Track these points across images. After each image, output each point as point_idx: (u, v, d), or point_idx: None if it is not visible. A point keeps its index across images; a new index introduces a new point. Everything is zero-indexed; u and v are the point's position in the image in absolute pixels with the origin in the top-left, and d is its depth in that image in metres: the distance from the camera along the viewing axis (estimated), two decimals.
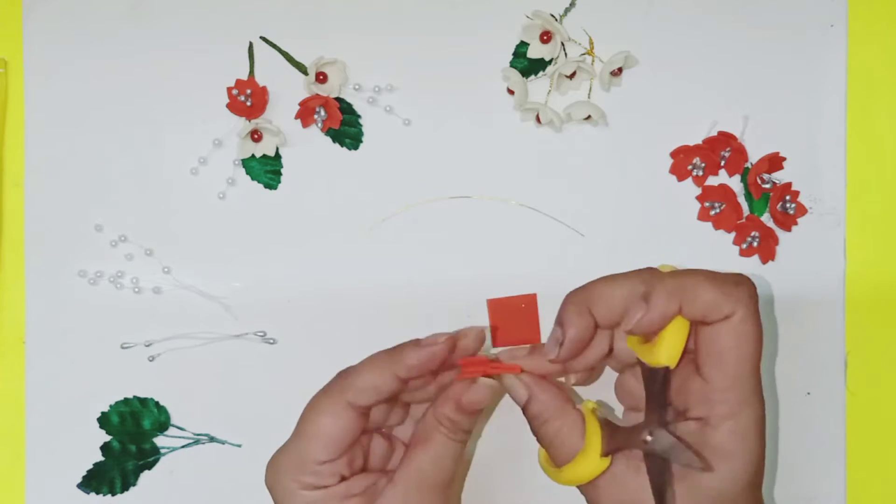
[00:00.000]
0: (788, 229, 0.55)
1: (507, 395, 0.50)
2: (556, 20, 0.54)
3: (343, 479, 0.47)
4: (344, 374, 0.48)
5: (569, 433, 0.46)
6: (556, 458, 0.47)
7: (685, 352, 0.45)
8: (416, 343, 0.47)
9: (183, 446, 0.55)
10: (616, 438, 0.45)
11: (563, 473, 0.46)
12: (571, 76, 0.54)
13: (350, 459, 0.48)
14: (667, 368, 0.44)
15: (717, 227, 0.55)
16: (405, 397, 0.50)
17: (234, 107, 0.55)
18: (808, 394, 0.54)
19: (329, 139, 0.55)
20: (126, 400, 0.55)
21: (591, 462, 0.45)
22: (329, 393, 0.48)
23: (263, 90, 0.55)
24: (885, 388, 0.55)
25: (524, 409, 0.48)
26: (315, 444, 0.47)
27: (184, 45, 0.55)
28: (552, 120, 0.54)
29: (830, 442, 0.54)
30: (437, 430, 0.48)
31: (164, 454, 0.55)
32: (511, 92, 0.55)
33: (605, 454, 0.45)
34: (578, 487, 0.46)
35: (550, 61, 0.55)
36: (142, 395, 0.55)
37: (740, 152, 0.54)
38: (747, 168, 0.54)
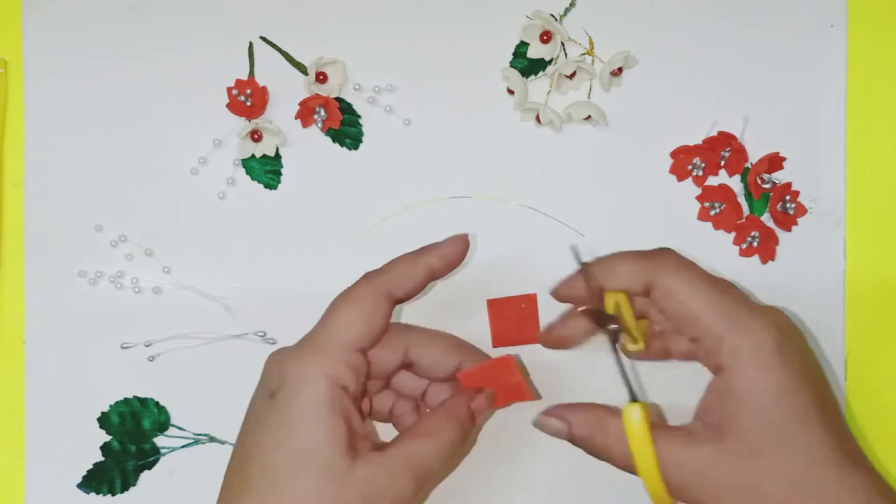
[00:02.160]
0: (788, 229, 0.55)
1: None
2: (556, 20, 0.55)
3: (354, 397, 0.45)
4: (375, 270, 0.47)
5: (617, 442, 0.45)
6: (626, 469, 0.46)
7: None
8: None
9: (183, 446, 0.55)
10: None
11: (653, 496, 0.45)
12: (571, 76, 0.54)
13: (365, 371, 0.46)
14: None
15: (717, 227, 0.55)
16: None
17: (234, 107, 0.55)
18: None
19: (329, 139, 0.55)
20: (126, 400, 0.55)
21: (651, 474, 0.44)
22: (361, 284, 0.47)
23: (263, 90, 0.55)
24: (885, 388, 0.55)
25: (571, 440, 0.47)
26: (353, 327, 0.45)
27: (184, 45, 0.55)
28: (552, 120, 0.54)
29: None
30: (453, 427, 0.47)
31: (164, 454, 0.55)
32: (511, 92, 0.55)
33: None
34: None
35: (550, 61, 0.55)
36: (142, 395, 0.55)
37: (740, 152, 0.54)
38: (747, 168, 0.55)
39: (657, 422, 0.45)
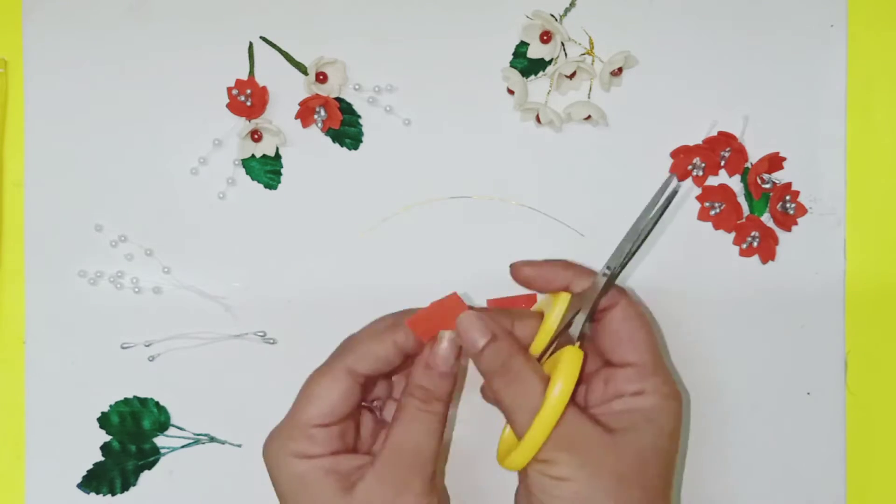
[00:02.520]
0: (788, 229, 0.55)
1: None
2: (556, 20, 0.55)
3: (334, 453, 0.47)
4: (346, 341, 0.49)
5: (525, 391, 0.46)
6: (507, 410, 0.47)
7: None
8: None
9: (183, 446, 0.55)
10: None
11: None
12: (571, 76, 0.54)
13: (343, 431, 0.48)
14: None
15: (717, 227, 0.55)
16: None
17: (234, 107, 0.55)
18: (808, 394, 0.54)
19: (329, 139, 0.55)
20: (126, 400, 0.55)
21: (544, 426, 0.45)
22: (329, 360, 0.49)
23: (263, 90, 0.55)
24: (885, 388, 0.55)
25: (480, 354, 0.47)
26: (311, 406, 0.47)
27: (184, 45, 0.55)
28: (552, 120, 0.54)
29: (830, 442, 0.54)
30: (410, 403, 0.48)
31: (164, 454, 0.55)
32: (511, 92, 0.55)
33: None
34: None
35: (550, 61, 0.55)
36: (142, 395, 0.55)
37: (740, 152, 0.54)
38: (747, 168, 0.55)
39: None
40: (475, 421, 0.54)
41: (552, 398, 0.45)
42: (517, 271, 0.50)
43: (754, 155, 0.55)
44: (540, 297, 0.53)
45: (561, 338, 0.48)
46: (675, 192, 0.47)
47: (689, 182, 0.55)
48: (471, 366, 0.54)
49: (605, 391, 0.48)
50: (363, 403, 0.50)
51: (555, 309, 0.48)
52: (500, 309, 0.51)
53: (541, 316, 0.49)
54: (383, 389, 0.52)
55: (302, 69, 0.55)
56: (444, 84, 0.55)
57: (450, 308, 0.48)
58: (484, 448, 0.53)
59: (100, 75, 0.55)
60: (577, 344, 0.48)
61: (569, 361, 0.46)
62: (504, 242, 0.55)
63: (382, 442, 0.48)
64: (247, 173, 0.55)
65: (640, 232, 0.48)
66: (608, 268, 0.48)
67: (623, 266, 0.48)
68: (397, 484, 0.46)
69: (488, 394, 0.49)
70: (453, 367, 0.48)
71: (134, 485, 0.55)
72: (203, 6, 0.56)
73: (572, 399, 0.46)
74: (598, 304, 0.48)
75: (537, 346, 0.48)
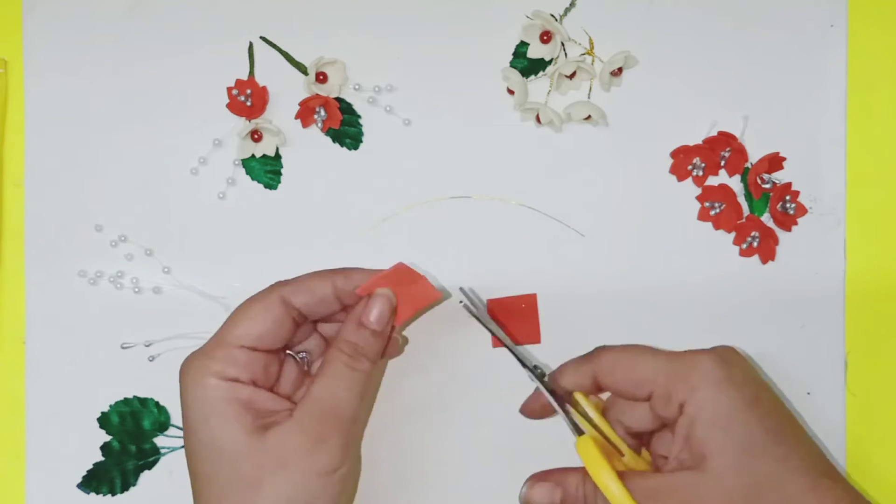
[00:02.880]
0: (788, 229, 0.55)
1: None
2: (556, 20, 0.55)
3: (253, 383, 0.47)
4: (283, 280, 0.49)
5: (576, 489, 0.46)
6: None
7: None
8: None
9: (183, 446, 0.55)
10: None
11: None
12: (571, 76, 0.54)
13: (266, 364, 0.48)
14: None
15: (717, 227, 0.55)
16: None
17: (234, 107, 0.55)
18: (808, 394, 0.54)
19: (329, 139, 0.55)
20: (126, 400, 0.55)
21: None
22: (264, 289, 0.48)
23: (263, 90, 0.55)
24: (885, 388, 0.55)
25: None
26: (238, 326, 0.47)
27: (184, 45, 0.55)
28: (552, 120, 0.54)
29: (830, 442, 0.54)
30: (336, 357, 0.47)
31: (164, 454, 0.55)
32: (511, 92, 0.55)
33: None
34: None
35: (550, 61, 0.55)
36: (142, 395, 0.55)
37: (740, 152, 0.54)
38: (747, 168, 0.54)
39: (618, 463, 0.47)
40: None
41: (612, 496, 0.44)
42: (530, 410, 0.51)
43: (754, 155, 0.55)
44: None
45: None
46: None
47: (688, 182, 0.55)
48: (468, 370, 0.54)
49: (667, 438, 0.47)
50: (289, 352, 0.50)
51: (594, 413, 0.48)
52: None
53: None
54: (314, 343, 0.51)
55: (302, 69, 0.55)
56: (444, 84, 0.55)
57: (401, 278, 0.48)
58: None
59: (100, 75, 0.55)
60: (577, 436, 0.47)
61: (584, 455, 0.45)
62: (504, 242, 0.55)
63: (305, 393, 0.47)
64: (247, 173, 0.55)
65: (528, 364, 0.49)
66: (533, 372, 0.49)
67: (537, 371, 0.49)
68: (313, 436, 0.46)
69: (532, 409, 0.50)
70: (386, 326, 0.48)
71: (134, 485, 0.55)
72: (203, 6, 0.56)
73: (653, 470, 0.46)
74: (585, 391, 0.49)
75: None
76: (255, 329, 0.47)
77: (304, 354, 0.51)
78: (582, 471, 0.46)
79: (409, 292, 0.49)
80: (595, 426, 0.48)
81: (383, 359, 0.52)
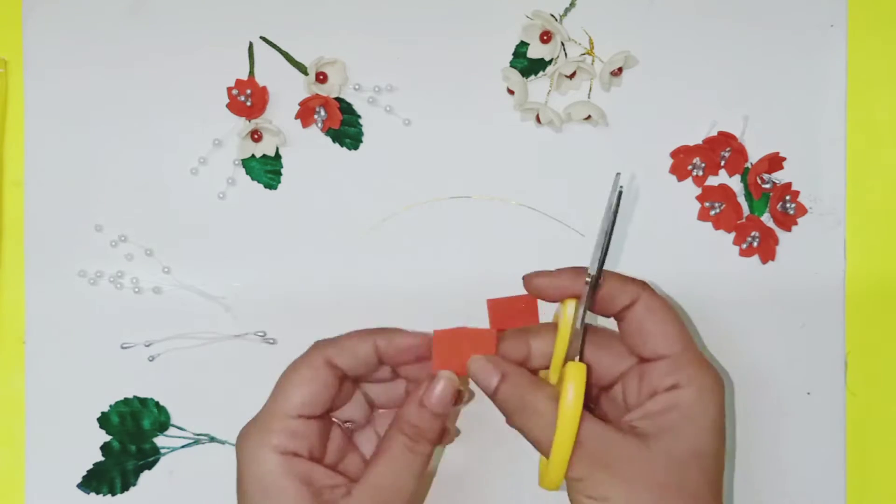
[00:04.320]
0: (788, 229, 0.55)
1: (471, 405, 0.50)
2: (556, 20, 0.55)
3: (311, 458, 0.46)
4: (326, 340, 0.48)
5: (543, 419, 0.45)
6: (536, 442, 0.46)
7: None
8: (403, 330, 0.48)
9: (183, 446, 0.55)
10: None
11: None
12: (571, 76, 0.54)
13: (321, 432, 0.47)
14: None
15: (717, 227, 0.55)
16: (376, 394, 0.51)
17: (234, 107, 0.55)
18: (808, 394, 0.54)
19: (329, 139, 0.55)
20: (126, 400, 0.55)
21: (564, 446, 0.44)
22: (307, 353, 0.48)
23: (263, 90, 0.55)
24: (885, 388, 0.55)
25: (494, 395, 0.46)
26: (293, 395, 0.46)
27: (184, 45, 0.55)
28: (552, 120, 0.54)
29: (830, 442, 0.54)
30: (397, 440, 0.47)
31: (164, 454, 0.55)
32: (511, 92, 0.55)
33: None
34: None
35: (550, 61, 0.55)
36: (142, 395, 0.55)
37: (740, 152, 0.54)
38: (747, 168, 0.55)
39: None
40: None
41: (565, 407, 0.44)
42: (529, 282, 0.49)
43: (754, 155, 0.55)
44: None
45: (570, 349, 0.47)
46: (620, 192, 0.46)
47: (688, 182, 0.55)
48: None
49: (639, 391, 0.46)
50: (335, 420, 0.50)
51: (564, 317, 0.48)
52: (516, 330, 0.50)
53: (554, 326, 0.49)
54: (358, 411, 0.51)
55: (302, 69, 0.55)
56: (444, 84, 0.55)
57: (477, 341, 0.48)
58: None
59: (100, 75, 0.55)
60: (577, 358, 0.46)
61: (573, 371, 0.45)
62: (504, 242, 0.55)
63: (363, 475, 0.46)
64: (247, 173, 0.55)
65: (605, 232, 0.46)
66: (589, 275, 0.47)
67: (601, 268, 0.46)
68: None
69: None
70: (447, 409, 0.47)
71: (134, 485, 0.55)
72: (203, 6, 0.56)
73: (602, 414, 0.45)
74: (609, 306, 0.47)
75: (556, 358, 0.48)
76: (308, 396, 0.46)
77: (349, 423, 0.50)
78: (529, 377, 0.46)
79: (469, 347, 0.48)
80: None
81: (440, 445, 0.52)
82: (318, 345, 0.48)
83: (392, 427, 0.47)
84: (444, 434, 0.49)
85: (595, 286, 0.47)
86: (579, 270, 0.48)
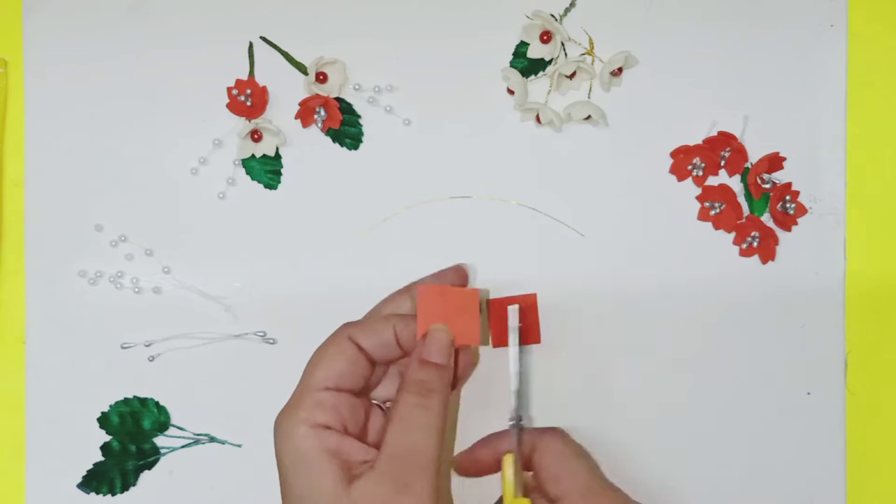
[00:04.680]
0: (788, 229, 0.55)
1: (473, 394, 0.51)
2: (556, 20, 0.55)
3: (343, 431, 0.46)
4: (351, 321, 0.49)
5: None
6: None
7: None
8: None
9: (183, 446, 0.55)
10: None
11: None
12: (571, 76, 0.54)
13: (352, 407, 0.47)
14: None
15: (717, 227, 0.55)
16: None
17: (234, 107, 0.55)
18: (808, 394, 0.54)
19: (329, 139, 0.55)
20: (126, 400, 0.55)
21: None
22: (334, 332, 0.49)
23: (263, 90, 0.55)
24: (885, 388, 0.55)
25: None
26: (318, 370, 0.47)
27: (184, 45, 0.55)
28: (552, 120, 0.54)
29: (830, 442, 0.54)
30: (405, 399, 0.46)
31: (164, 454, 0.55)
32: (511, 92, 0.55)
33: None
34: None
35: (550, 61, 0.55)
36: (142, 395, 0.55)
37: (740, 152, 0.54)
38: (747, 168, 0.55)
39: None
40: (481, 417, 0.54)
41: None
42: (464, 464, 0.51)
43: (754, 155, 0.55)
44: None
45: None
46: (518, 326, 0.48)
47: (688, 182, 0.55)
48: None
49: None
50: (375, 401, 0.50)
51: (506, 473, 0.48)
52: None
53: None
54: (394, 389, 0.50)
55: (302, 69, 0.55)
56: (444, 84, 0.55)
57: (461, 299, 0.48)
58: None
59: (100, 75, 0.55)
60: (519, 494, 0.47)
61: None
62: (504, 242, 0.55)
63: (381, 443, 0.46)
64: (247, 173, 0.55)
65: (517, 373, 0.49)
66: (511, 419, 0.49)
67: (522, 410, 0.48)
68: (396, 484, 0.44)
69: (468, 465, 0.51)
70: (449, 358, 0.47)
71: (134, 485, 0.55)
72: (203, 6, 0.56)
73: None
74: (527, 452, 0.49)
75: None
76: (335, 369, 0.47)
77: (388, 403, 0.50)
78: None
79: (454, 308, 0.48)
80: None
81: (455, 389, 0.51)
82: (344, 326, 0.49)
83: (399, 390, 0.47)
84: (461, 374, 0.49)
85: (520, 427, 0.49)
86: (500, 434, 0.50)
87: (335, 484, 0.45)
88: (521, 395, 0.48)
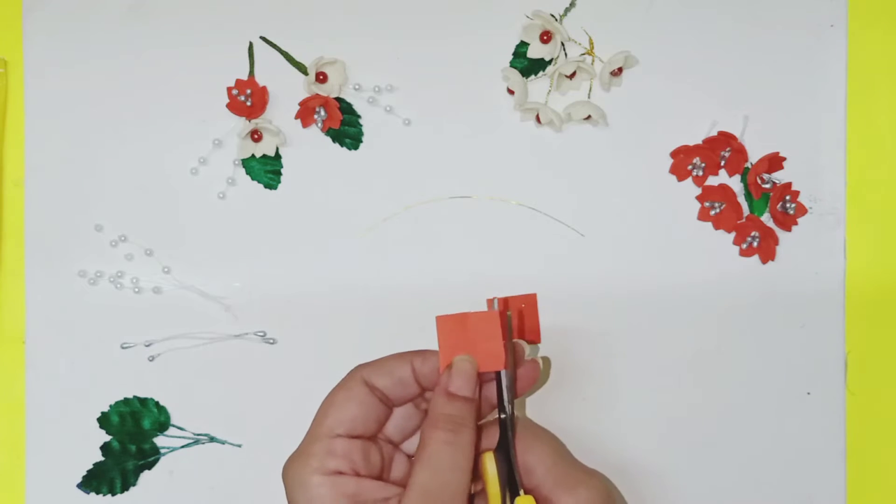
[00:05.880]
0: (788, 229, 0.55)
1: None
2: (556, 20, 0.55)
3: (357, 474, 0.45)
4: (364, 363, 0.47)
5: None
6: None
7: None
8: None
9: (183, 446, 0.55)
10: None
11: None
12: (571, 76, 0.54)
13: (366, 451, 0.46)
14: None
15: (717, 227, 0.55)
16: None
17: (234, 107, 0.55)
18: (808, 394, 0.54)
19: (329, 139, 0.55)
20: (126, 400, 0.55)
21: None
22: (346, 376, 0.47)
23: (263, 90, 0.55)
24: (885, 388, 0.55)
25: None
26: (328, 416, 0.45)
27: (184, 45, 0.56)
28: (552, 120, 0.54)
29: (830, 442, 0.54)
30: (434, 436, 0.45)
31: (164, 454, 0.55)
32: (511, 92, 0.55)
33: None
34: None
35: (550, 61, 0.55)
36: (142, 395, 0.55)
37: (740, 152, 0.54)
38: (747, 168, 0.55)
39: None
40: None
41: None
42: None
43: (754, 155, 0.55)
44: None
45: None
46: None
47: (688, 182, 0.55)
48: None
49: None
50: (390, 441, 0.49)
51: (488, 471, 0.47)
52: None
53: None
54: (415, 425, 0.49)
55: (302, 69, 0.55)
56: (444, 84, 0.55)
57: (481, 324, 0.46)
58: None
59: (100, 75, 0.55)
60: (521, 491, 0.46)
61: None
62: (504, 242, 0.55)
63: (409, 480, 0.44)
64: (247, 173, 0.55)
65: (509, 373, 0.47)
66: (501, 414, 0.47)
67: (511, 404, 0.46)
68: None
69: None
70: (475, 389, 0.46)
71: (134, 485, 0.55)
72: (203, 6, 0.56)
73: None
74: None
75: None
76: (345, 415, 0.45)
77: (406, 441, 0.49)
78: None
79: (475, 334, 0.47)
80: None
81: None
82: (357, 367, 0.47)
83: (426, 426, 0.45)
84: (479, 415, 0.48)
85: (511, 422, 0.47)
86: (491, 422, 0.48)
87: None
88: (506, 388, 0.46)
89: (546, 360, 0.54)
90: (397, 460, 0.48)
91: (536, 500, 0.46)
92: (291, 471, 0.45)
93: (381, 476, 0.47)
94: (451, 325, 0.47)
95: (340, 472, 0.45)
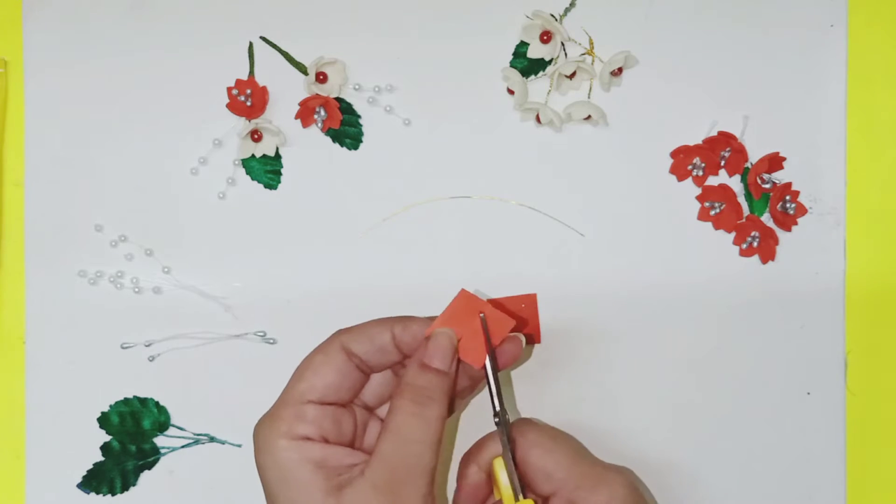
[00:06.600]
0: (788, 229, 0.55)
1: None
2: (556, 20, 0.55)
3: (325, 440, 0.45)
4: (344, 328, 0.47)
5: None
6: None
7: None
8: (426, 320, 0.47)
9: (183, 446, 0.55)
10: None
11: None
12: (571, 76, 0.54)
13: (337, 418, 0.45)
14: None
15: (717, 227, 0.55)
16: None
17: (234, 107, 0.55)
18: (808, 394, 0.54)
19: (329, 139, 0.55)
20: (126, 400, 0.55)
21: None
22: (325, 340, 0.47)
23: (263, 90, 0.55)
24: (885, 388, 0.55)
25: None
26: (302, 381, 0.45)
27: (184, 45, 0.56)
28: (552, 120, 0.54)
29: (830, 442, 0.54)
30: (402, 405, 0.44)
31: (164, 454, 0.55)
32: (511, 92, 0.55)
33: None
34: None
35: (550, 61, 0.55)
36: (142, 395, 0.55)
37: (740, 152, 0.54)
38: (747, 168, 0.55)
39: None
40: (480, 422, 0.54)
41: None
42: (465, 483, 0.48)
43: (754, 155, 0.55)
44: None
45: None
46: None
47: (688, 182, 0.55)
48: None
49: None
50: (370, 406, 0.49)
51: (500, 478, 0.46)
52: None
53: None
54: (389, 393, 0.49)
55: (302, 69, 0.55)
56: (444, 84, 0.55)
57: (465, 305, 0.46)
58: None
59: (100, 75, 0.55)
60: (521, 496, 0.46)
61: None
62: (504, 242, 0.55)
63: (374, 448, 0.44)
64: (247, 173, 0.55)
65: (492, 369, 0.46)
66: (495, 416, 0.46)
67: (502, 406, 0.46)
68: (388, 495, 0.42)
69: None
70: (451, 365, 0.45)
71: (134, 485, 0.55)
72: (203, 6, 0.56)
73: None
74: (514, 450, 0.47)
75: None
76: (319, 381, 0.45)
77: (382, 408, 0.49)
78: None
79: (477, 325, 0.46)
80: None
81: (464, 399, 0.51)
82: (337, 332, 0.47)
83: (395, 395, 0.45)
84: (455, 397, 0.47)
85: (505, 423, 0.47)
86: (481, 442, 0.48)
87: (322, 494, 0.43)
88: (501, 392, 0.46)
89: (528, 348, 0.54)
90: (371, 426, 0.48)
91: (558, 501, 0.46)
92: (260, 433, 0.45)
93: (352, 442, 0.47)
94: (465, 304, 0.46)
95: (308, 438, 0.44)
